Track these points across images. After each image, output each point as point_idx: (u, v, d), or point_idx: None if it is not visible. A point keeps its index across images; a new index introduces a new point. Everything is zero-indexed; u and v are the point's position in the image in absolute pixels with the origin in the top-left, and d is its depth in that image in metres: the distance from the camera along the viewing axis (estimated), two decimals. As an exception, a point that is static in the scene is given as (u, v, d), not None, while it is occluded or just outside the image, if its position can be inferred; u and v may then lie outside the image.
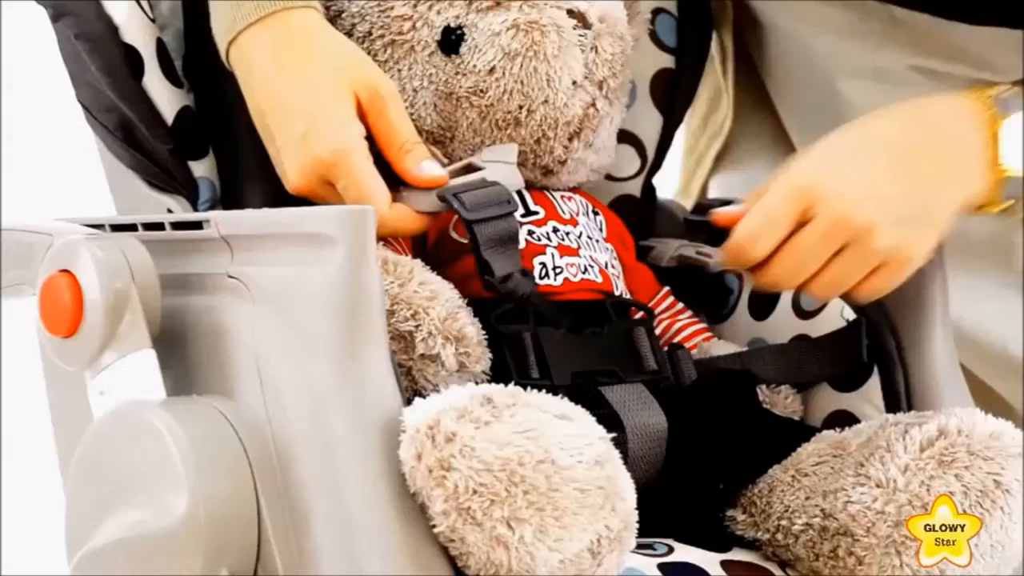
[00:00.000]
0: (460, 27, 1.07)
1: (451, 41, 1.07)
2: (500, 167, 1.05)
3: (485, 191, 1.02)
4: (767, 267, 1.04)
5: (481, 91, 1.07)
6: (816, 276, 1.04)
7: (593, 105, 1.11)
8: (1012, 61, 1.17)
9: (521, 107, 1.07)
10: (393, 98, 1.02)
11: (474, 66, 1.07)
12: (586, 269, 1.10)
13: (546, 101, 1.07)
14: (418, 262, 1.00)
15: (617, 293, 1.11)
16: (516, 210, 1.03)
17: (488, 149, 1.08)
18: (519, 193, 1.09)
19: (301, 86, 1.01)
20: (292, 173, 1.01)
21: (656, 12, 1.25)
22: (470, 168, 1.05)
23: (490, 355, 0.99)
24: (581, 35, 1.08)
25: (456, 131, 1.08)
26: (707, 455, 1.03)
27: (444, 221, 1.08)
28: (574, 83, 1.09)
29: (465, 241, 1.07)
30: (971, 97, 1.07)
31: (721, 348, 1.17)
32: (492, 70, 1.06)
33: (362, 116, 1.01)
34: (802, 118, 1.32)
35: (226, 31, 1.03)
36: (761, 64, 1.36)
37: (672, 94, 1.27)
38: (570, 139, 1.11)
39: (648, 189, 1.27)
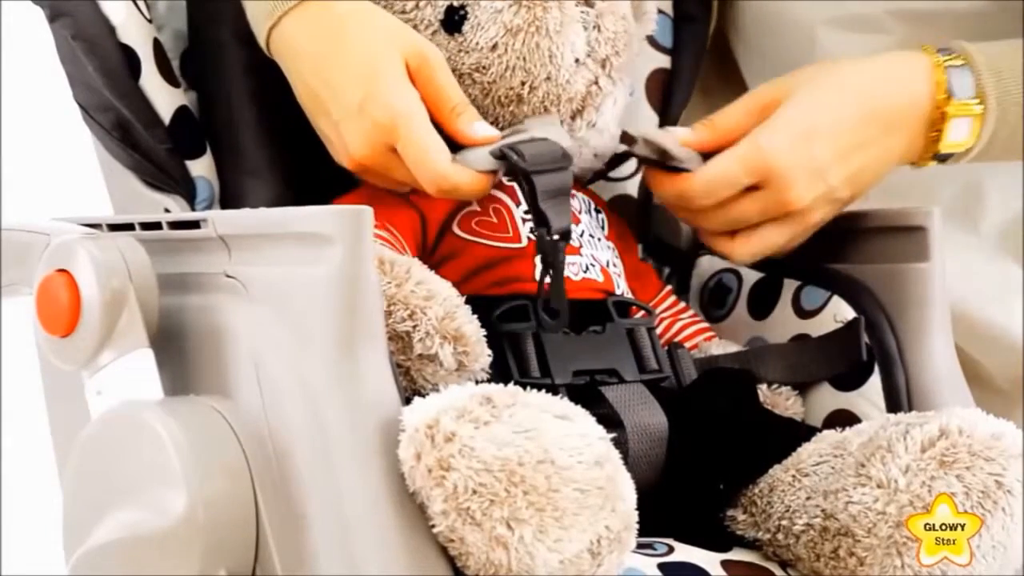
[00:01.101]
0: (463, 6, 1.07)
1: (454, 20, 1.07)
2: (547, 127, 1.05)
3: (539, 144, 1.02)
4: (703, 215, 1.12)
5: (483, 68, 1.07)
6: (742, 236, 1.12)
7: (596, 83, 1.11)
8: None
9: (523, 83, 1.07)
10: (440, 63, 1.03)
11: (476, 43, 1.07)
12: (587, 268, 1.09)
13: (548, 78, 1.07)
14: (416, 261, 1.00)
15: (618, 292, 1.11)
16: (571, 164, 1.03)
17: (528, 120, 1.08)
18: (521, 188, 1.09)
19: (353, 58, 1.02)
20: (355, 144, 1.02)
21: (652, 12, 1.25)
22: (517, 133, 1.05)
23: (489, 353, 0.99)
24: (583, 12, 1.09)
25: None
26: (708, 455, 1.02)
27: (444, 213, 1.07)
28: (576, 61, 1.08)
29: (468, 238, 1.07)
30: (926, 69, 1.13)
31: (721, 348, 1.17)
32: (494, 47, 1.06)
33: (412, 83, 1.02)
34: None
35: (266, 17, 1.04)
36: (733, 29, 1.37)
37: (668, 94, 1.27)
38: (572, 117, 1.11)
39: (646, 188, 1.27)
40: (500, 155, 1.02)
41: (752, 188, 1.10)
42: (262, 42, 1.06)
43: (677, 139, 1.11)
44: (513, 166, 1.01)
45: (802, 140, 1.09)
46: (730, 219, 1.11)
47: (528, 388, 0.89)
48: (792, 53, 1.31)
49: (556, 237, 1.00)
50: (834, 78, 1.13)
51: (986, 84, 1.13)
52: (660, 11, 1.26)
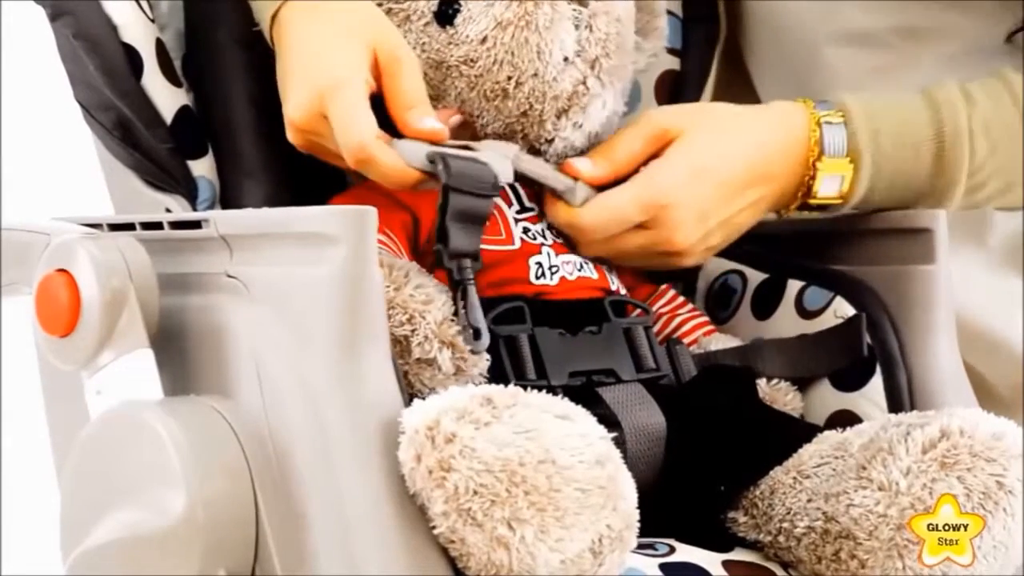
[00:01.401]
0: None
1: (447, 13, 1.07)
2: (495, 156, 1.04)
3: (474, 166, 1.01)
4: (585, 244, 1.11)
5: (471, 60, 1.07)
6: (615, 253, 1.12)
7: (584, 83, 1.10)
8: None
9: (510, 78, 1.07)
10: (410, 64, 1.03)
11: (467, 36, 1.07)
12: (581, 266, 1.10)
13: (535, 74, 1.07)
14: (414, 265, 1.00)
15: (613, 288, 1.11)
16: (495, 197, 1.02)
17: (488, 141, 1.08)
18: (513, 188, 1.10)
19: (321, 39, 1.03)
20: (293, 106, 1.02)
21: (662, 14, 1.25)
22: (466, 149, 1.05)
23: (487, 358, 0.99)
24: (576, 11, 1.09)
25: (444, 101, 1.08)
26: (707, 456, 1.02)
27: (436, 213, 1.07)
28: (565, 59, 1.08)
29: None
30: (803, 123, 1.14)
31: (720, 343, 1.16)
32: (484, 39, 1.06)
33: (378, 78, 1.02)
34: (784, 93, 1.32)
35: (267, 11, 1.05)
36: (744, 39, 1.37)
37: (676, 96, 1.27)
38: (558, 116, 1.10)
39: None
40: (431, 160, 1.00)
41: (639, 225, 1.10)
42: (268, 38, 1.07)
43: (564, 170, 1.11)
44: (435, 175, 0.99)
45: (694, 180, 1.10)
46: (611, 250, 1.11)
47: (528, 389, 0.88)
48: (798, 68, 1.31)
49: (462, 258, 0.98)
50: (722, 121, 1.14)
51: (860, 142, 1.13)
52: (669, 12, 1.26)
